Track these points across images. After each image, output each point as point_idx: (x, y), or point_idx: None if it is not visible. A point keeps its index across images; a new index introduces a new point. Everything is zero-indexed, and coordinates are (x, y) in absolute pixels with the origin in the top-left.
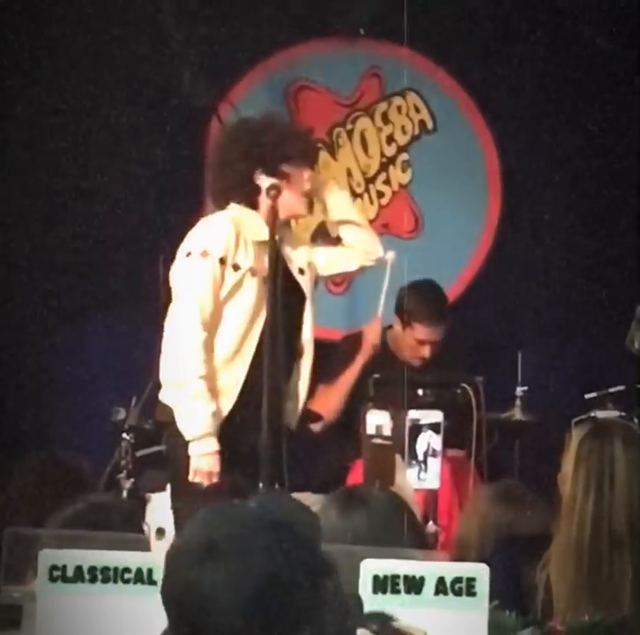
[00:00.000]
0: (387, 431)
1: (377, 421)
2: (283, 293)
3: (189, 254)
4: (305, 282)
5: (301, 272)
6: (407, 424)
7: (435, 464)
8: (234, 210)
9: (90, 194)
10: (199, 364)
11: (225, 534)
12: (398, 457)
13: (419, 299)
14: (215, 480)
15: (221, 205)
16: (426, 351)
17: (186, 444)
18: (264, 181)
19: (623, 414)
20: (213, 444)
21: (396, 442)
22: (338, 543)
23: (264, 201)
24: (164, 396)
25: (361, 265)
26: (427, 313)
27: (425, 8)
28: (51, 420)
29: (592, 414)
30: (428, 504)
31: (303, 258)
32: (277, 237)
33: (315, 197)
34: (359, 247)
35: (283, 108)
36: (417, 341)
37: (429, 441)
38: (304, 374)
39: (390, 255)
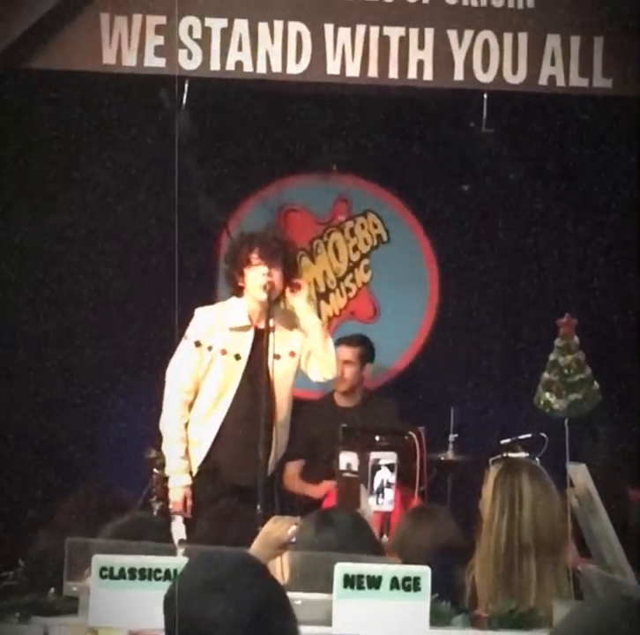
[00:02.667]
0: (355, 467)
1: (348, 459)
2: (257, 370)
3: (184, 337)
4: (279, 365)
5: (277, 357)
6: (370, 463)
7: (389, 493)
8: (230, 300)
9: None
10: (174, 419)
11: (219, 572)
12: (362, 487)
13: (345, 335)
14: (180, 508)
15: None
16: (347, 370)
17: None
18: (238, 279)
19: (528, 455)
20: (179, 480)
21: (361, 475)
22: (314, 551)
23: (247, 294)
24: None
25: (316, 380)
26: (346, 338)
27: (381, 150)
28: (100, 459)
29: (505, 455)
30: (383, 522)
31: (285, 347)
32: (262, 324)
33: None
34: (317, 368)
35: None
36: (341, 362)
37: (385, 476)
38: (277, 432)
39: None
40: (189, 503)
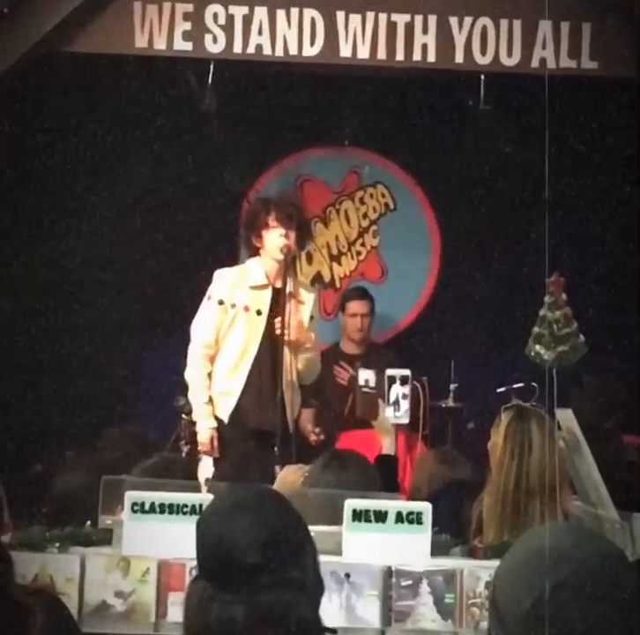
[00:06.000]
0: (372, 383)
1: (366, 376)
2: (276, 327)
3: (206, 297)
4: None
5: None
6: (386, 378)
7: (405, 404)
8: (249, 261)
9: (142, 268)
10: (199, 371)
11: (244, 498)
12: (380, 400)
13: (348, 289)
14: (208, 448)
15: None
16: (359, 322)
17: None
18: (254, 241)
19: (535, 404)
20: (206, 424)
21: (378, 390)
22: (322, 487)
23: (264, 254)
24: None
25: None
26: (353, 293)
27: (389, 126)
28: (135, 406)
29: (515, 403)
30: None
31: (296, 313)
32: (278, 283)
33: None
34: (301, 370)
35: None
36: (351, 315)
37: (400, 389)
38: (295, 387)
39: None
40: (215, 443)
